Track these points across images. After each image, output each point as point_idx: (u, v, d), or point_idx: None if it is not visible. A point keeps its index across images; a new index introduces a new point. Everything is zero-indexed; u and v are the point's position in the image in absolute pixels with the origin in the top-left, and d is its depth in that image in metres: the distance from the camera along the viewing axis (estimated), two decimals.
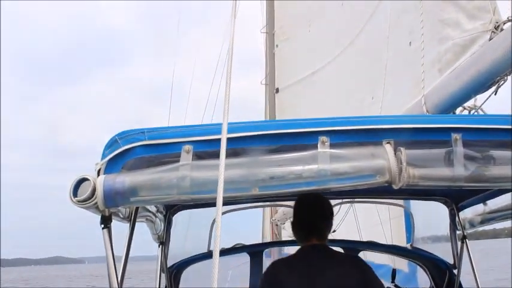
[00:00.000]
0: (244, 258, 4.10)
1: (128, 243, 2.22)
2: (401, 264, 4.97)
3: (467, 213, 3.34)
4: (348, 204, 5.00)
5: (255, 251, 4.06)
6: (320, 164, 1.84)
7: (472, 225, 3.30)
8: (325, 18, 7.30)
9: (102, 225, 1.95)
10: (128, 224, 2.24)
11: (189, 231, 4.17)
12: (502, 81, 2.62)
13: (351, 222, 5.97)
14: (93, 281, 46.67)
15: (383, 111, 4.57)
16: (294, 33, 8.73)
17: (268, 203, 5.40)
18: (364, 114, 5.08)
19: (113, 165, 1.92)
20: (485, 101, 2.90)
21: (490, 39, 2.67)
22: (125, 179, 1.85)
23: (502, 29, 2.67)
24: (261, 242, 9.11)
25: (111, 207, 1.90)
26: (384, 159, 1.86)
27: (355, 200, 4.18)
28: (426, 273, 3.76)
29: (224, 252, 3.93)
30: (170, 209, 3.30)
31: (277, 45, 9.30)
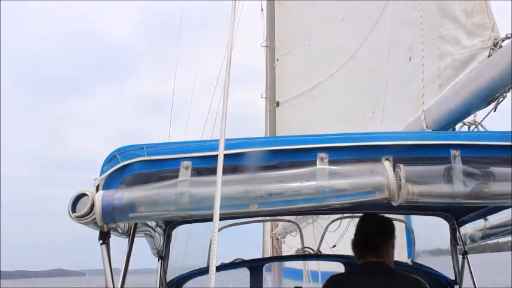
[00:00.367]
0: (246, 272, 4.08)
1: (126, 258, 2.21)
2: None
3: (468, 229, 3.32)
4: (348, 220, 4.97)
5: (254, 266, 4.03)
6: (319, 181, 1.84)
7: (473, 240, 3.28)
8: (325, 32, 7.34)
9: (101, 241, 1.94)
10: (127, 239, 2.22)
11: (189, 244, 4.15)
12: (502, 98, 2.61)
13: (351, 237, 5.92)
14: None
15: (383, 126, 4.56)
16: (294, 47, 8.78)
17: (268, 218, 5.38)
18: (365, 129, 5.09)
19: (111, 180, 1.92)
20: (485, 117, 2.89)
21: (489, 56, 2.68)
22: (123, 195, 1.85)
23: (500, 46, 2.67)
24: (261, 256, 9.05)
25: (109, 223, 1.90)
26: (382, 175, 1.86)
27: (355, 215, 4.16)
28: None
29: (223, 267, 3.91)
30: (169, 224, 3.28)
31: (277, 59, 9.34)
